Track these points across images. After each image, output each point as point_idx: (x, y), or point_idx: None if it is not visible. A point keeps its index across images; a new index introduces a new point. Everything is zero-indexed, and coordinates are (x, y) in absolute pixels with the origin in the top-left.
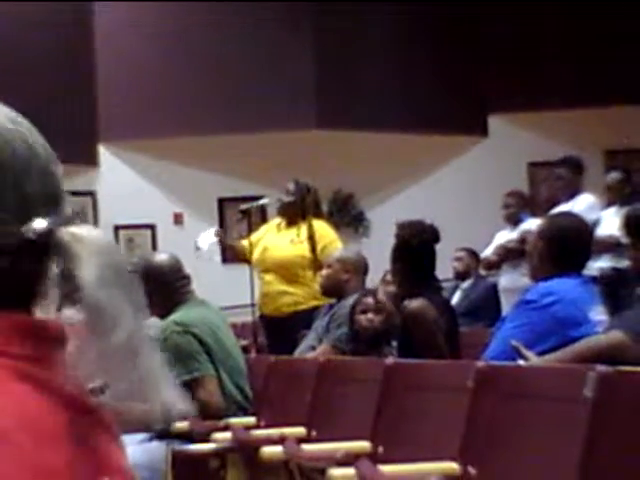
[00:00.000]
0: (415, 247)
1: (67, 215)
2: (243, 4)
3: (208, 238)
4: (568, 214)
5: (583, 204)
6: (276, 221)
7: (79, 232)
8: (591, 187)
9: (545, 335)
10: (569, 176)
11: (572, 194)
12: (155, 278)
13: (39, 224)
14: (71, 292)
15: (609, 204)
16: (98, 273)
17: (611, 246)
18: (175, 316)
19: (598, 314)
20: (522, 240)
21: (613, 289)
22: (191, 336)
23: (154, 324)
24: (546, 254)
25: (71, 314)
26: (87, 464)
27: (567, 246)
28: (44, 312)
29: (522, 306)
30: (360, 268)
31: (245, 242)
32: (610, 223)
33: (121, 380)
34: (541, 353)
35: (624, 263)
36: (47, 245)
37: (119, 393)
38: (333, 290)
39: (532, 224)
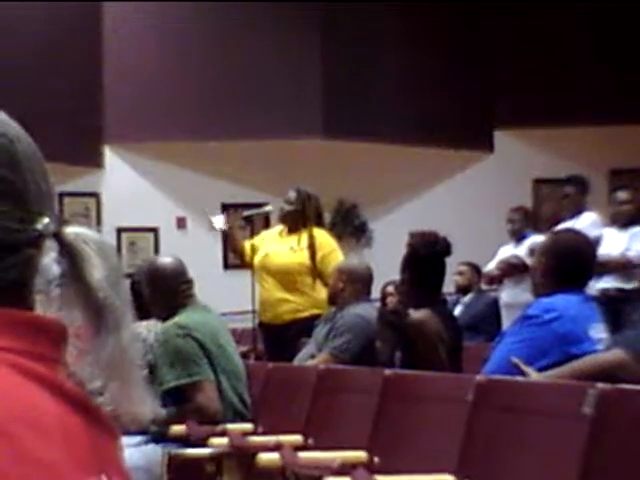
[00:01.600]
0: (425, 258)
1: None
2: (251, 12)
3: (220, 221)
4: (572, 231)
5: (586, 221)
6: (278, 228)
7: (81, 232)
8: (596, 206)
9: (546, 351)
10: (575, 195)
11: (577, 212)
12: (158, 281)
13: (51, 221)
14: (78, 291)
15: (613, 223)
16: (104, 274)
17: (621, 266)
18: (177, 319)
19: (599, 332)
20: (532, 253)
21: (616, 309)
22: (192, 340)
23: (154, 327)
24: (549, 270)
25: (72, 314)
26: (85, 460)
27: (570, 263)
28: (44, 310)
29: (523, 321)
30: (357, 278)
31: (247, 243)
32: (611, 243)
33: (117, 382)
34: (541, 369)
35: (631, 284)
36: (59, 243)
37: (114, 396)
38: (332, 299)
39: (540, 239)
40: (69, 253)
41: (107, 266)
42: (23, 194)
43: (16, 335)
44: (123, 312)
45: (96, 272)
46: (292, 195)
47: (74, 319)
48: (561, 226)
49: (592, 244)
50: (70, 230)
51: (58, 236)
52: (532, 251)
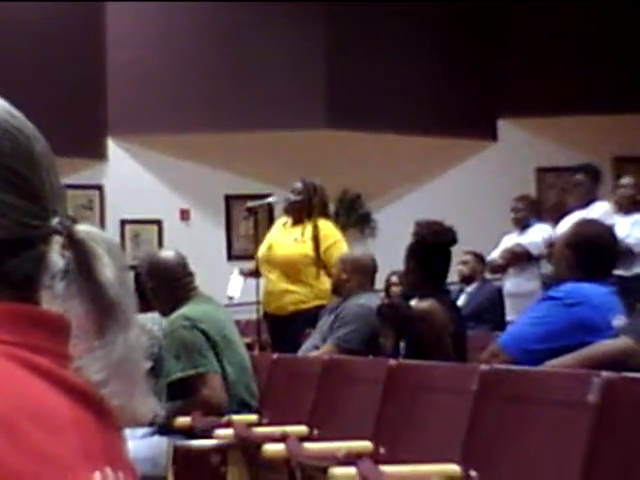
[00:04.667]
0: (432, 247)
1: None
2: (255, 3)
3: (236, 284)
4: (594, 222)
5: (599, 211)
6: (282, 220)
7: (91, 230)
8: (601, 194)
9: (561, 333)
10: (588, 183)
11: (587, 202)
12: (160, 275)
13: (63, 219)
14: (88, 289)
15: (618, 209)
16: (114, 272)
17: (621, 253)
18: (183, 311)
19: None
20: (551, 245)
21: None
22: (198, 331)
23: (158, 319)
24: (573, 262)
25: (76, 309)
26: (90, 453)
27: (595, 255)
28: (48, 305)
29: (546, 301)
30: (361, 268)
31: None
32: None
33: (121, 379)
34: (555, 350)
35: (631, 272)
36: (70, 241)
37: (116, 392)
38: (336, 289)
39: (546, 228)
40: (80, 251)
41: (116, 265)
42: (39, 191)
43: (21, 329)
44: (132, 310)
45: (107, 271)
46: (298, 185)
47: (78, 314)
48: (572, 215)
49: (615, 235)
50: (81, 228)
51: (69, 234)
52: (549, 242)
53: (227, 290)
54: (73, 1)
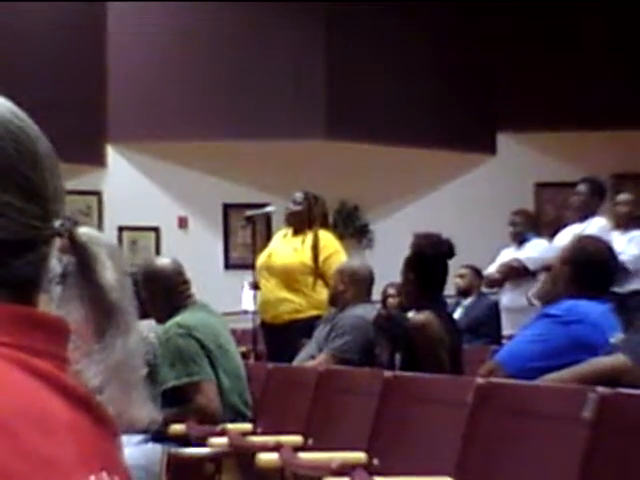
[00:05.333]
0: (430, 259)
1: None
2: (253, 13)
3: (248, 297)
4: (593, 238)
5: (595, 227)
6: (282, 231)
7: (92, 234)
8: (600, 210)
9: (560, 351)
10: (587, 195)
11: (585, 215)
12: (157, 282)
13: (65, 221)
14: (89, 292)
15: (616, 226)
16: (116, 276)
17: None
18: (179, 318)
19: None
20: (548, 268)
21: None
22: (193, 339)
23: (153, 328)
24: (572, 279)
25: (73, 313)
26: (86, 457)
27: (593, 272)
28: (46, 308)
29: (544, 318)
30: (359, 280)
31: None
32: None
33: (119, 384)
34: (553, 368)
35: (625, 288)
36: (72, 243)
37: (114, 396)
38: (333, 300)
39: (543, 243)
40: (82, 254)
41: (117, 269)
42: (42, 192)
43: (19, 331)
44: (132, 315)
45: (109, 274)
46: (299, 196)
47: (75, 318)
48: (569, 229)
49: (614, 252)
50: (82, 231)
51: (71, 236)
52: (547, 266)
53: (241, 304)
54: (74, 1)
